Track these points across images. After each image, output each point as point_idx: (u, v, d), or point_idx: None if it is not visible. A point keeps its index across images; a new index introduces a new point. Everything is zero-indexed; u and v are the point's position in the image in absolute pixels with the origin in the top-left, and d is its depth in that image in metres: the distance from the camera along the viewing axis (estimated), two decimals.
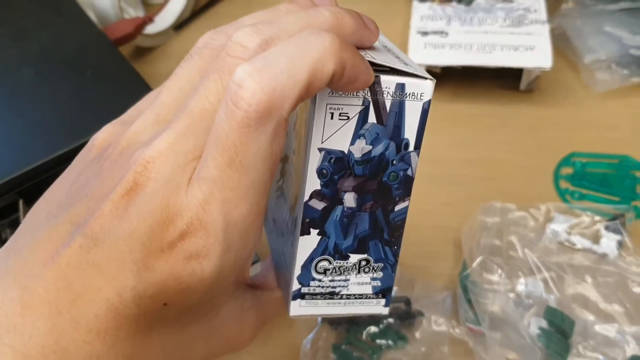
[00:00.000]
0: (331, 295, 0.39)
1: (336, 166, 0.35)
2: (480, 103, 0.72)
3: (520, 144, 0.68)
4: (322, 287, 0.39)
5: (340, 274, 0.39)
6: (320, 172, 0.35)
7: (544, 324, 0.52)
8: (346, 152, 0.35)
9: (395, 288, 0.56)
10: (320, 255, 0.38)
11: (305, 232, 0.36)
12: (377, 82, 0.32)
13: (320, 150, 0.34)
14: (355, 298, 0.41)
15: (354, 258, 0.39)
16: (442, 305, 0.55)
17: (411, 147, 0.36)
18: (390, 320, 0.54)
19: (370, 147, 0.35)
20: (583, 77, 0.72)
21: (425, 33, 0.73)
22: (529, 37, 0.70)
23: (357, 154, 0.35)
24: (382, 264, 0.40)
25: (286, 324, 0.55)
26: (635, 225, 0.60)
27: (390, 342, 0.53)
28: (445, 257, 0.59)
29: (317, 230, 0.37)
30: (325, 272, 0.38)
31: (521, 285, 0.54)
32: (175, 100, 0.31)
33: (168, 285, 0.28)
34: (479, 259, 0.53)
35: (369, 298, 0.42)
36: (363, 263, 0.40)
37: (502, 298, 0.53)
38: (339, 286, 0.39)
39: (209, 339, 0.33)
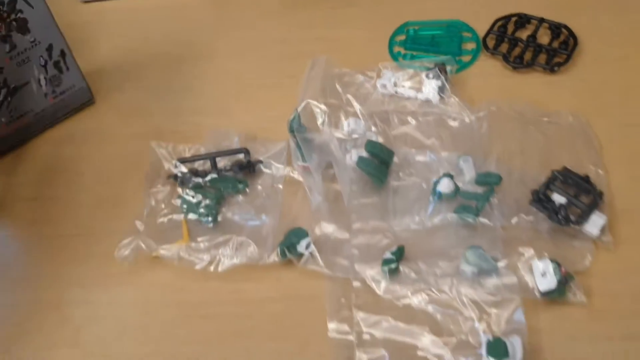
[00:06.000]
0: None
1: None
2: None
3: (362, 20, 0.74)
4: None
5: None
6: None
7: (365, 154, 0.57)
8: None
9: (237, 138, 0.62)
10: None
11: None
12: None
13: None
14: None
15: None
16: (279, 153, 0.61)
17: None
18: (230, 170, 0.59)
19: None
20: None
21: None
22: None
23: None
24: None
25: (136, 181, 0.60)
26: (459, 77, 0.67)
27: (230, 186, 0.58)
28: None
29: None
30: None
31: (345, 126, 0.60)
32: None
33: None
34: (303, 104, 0.59)
35: None
36: None
37: (326, 136, 0.58)
38: None
39: None
